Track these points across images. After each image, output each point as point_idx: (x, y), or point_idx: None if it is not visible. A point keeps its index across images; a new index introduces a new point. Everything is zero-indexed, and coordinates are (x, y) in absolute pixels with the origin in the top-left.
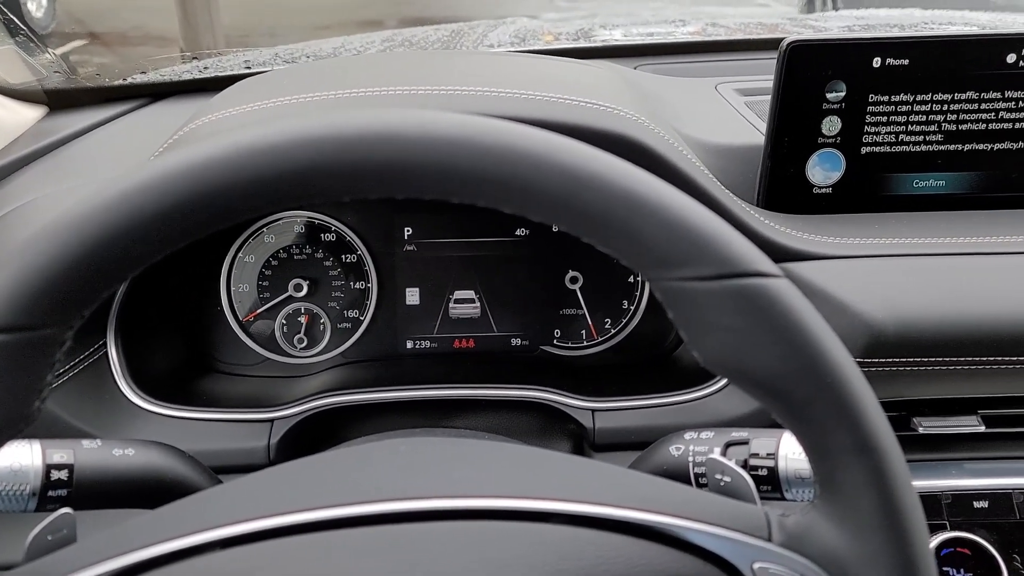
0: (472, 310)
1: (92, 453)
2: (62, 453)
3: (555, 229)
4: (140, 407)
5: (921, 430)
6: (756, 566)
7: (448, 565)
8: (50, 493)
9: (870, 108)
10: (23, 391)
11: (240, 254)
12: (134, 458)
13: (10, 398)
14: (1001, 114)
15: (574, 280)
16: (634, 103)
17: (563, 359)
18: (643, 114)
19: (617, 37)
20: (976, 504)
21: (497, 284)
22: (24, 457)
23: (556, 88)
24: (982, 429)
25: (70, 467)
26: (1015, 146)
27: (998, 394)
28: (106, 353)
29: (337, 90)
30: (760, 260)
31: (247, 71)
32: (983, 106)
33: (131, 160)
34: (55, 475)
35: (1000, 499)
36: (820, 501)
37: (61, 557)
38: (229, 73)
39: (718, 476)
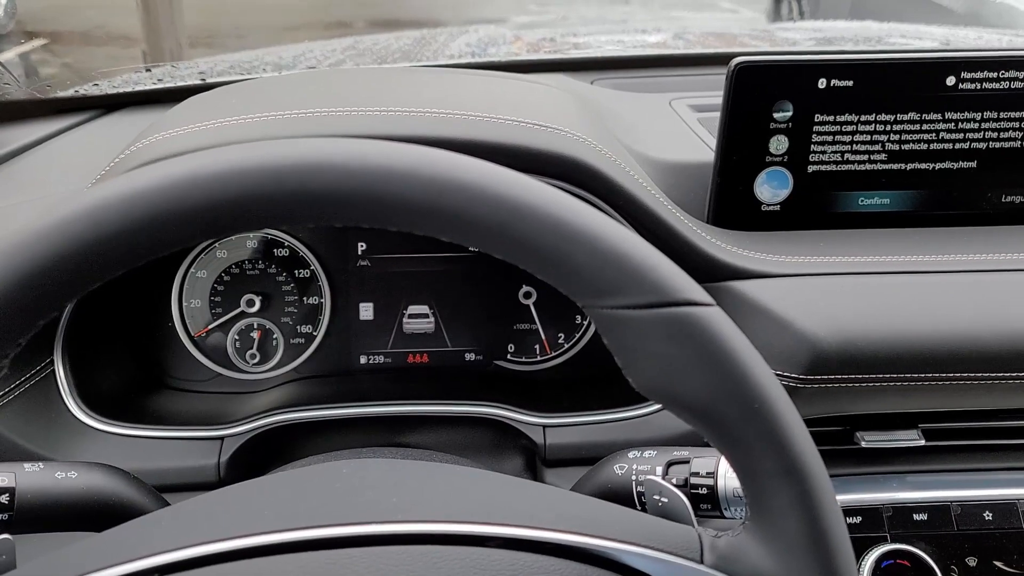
0: (426, 325)
1: (34, 476)
2: (3, 476)
3: None
4: (88, 426)
5: (864, 444)
6: None
7: None
8: None
9: (816, 128)
10: None
11: (192, 269)
12: (77, 481)
13: None
14: (942, 135)
15: (528, 295)
16: (583, 121)
17: (517, 374)
18: (591, 133)
19: (583, 42)
20: (916, 516)
21: (451, 299)
22: None
23: (500, 108)
24: (922, 443)
25: (11, 491)
26: (955, 166)
27: (937, 408)
28: (53, 371)
29: (282, 111)
30: (691, 288)
31: (201, 82)
32: (925, 127)
33: (81, 175)
34: None
35: (939, 511)
36: (750, 523)
37: None
38: (183, 84)
39: (656, 496)
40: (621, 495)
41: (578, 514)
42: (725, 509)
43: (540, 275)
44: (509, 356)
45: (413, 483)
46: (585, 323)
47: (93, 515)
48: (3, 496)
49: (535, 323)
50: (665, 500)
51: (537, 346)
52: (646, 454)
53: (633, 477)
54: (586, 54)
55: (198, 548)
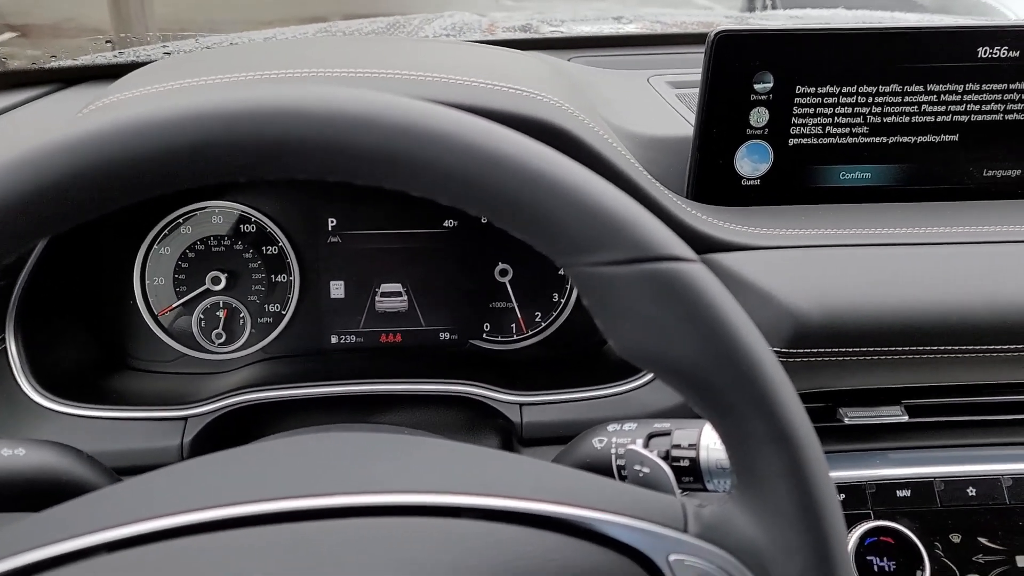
0: (399, 303)
1: None
2: None
3: (484, 221)
4: (42, 406)
5: (847, 421)
6: (672, 558)
7: (354, 563)
8: None
9: (797, 100)
10: None
11: (156, 246)
12: (25, 458)
13: None
14: (923, 107)
15: (504, 273)
16: (561, 91)
17: (493, 353)
18: (568, 99)
19: (548, 31)
20: (899, 493)
21: (425, 277)
22: None
23: (477, 73)
24: (905, 419)
25: None
26: (937, 139)
27: (921, 383)
28: (4, 349)
29: (246, 72)
30: (674, 243)
31: (166, 57)
32: (906, 99)
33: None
34: None
35: (922, 488)
36: (737, 491)
37: None
38: (145, 59)
39: (637, 467)
40: (600, 469)
41: (556, 484)
42: (708, 481)
43: (515, 231)
44: (485, 335)
45: (385, 455)
46: (563, 302)
47: (43, 495)
48: None
49: (511, 301)
50: (646, 471)
51: (513, 325)
52: (626, 427)
53: (613, 451)
54: (562, 33)
55: (151, 522)
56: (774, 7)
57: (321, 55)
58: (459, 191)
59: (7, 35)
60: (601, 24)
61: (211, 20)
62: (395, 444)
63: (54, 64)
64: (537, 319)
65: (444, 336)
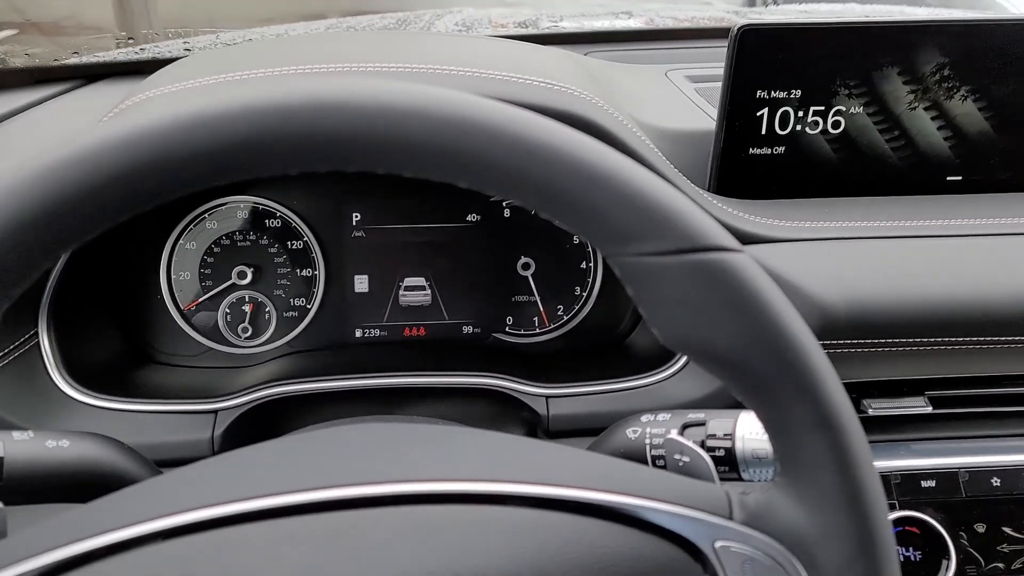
0: (423, 297)
1: (24, 445)
2: None
3: (506, 215)
4: (75, 399)
5: (871, 412)
6: (717, 544)
7: (404, 550)
8: None
9: (820, 93)
10: None
11: (181, 241)
12: (69, 450)
13: None
14: (949, 100)
15: (526, 267)
16: (587, 85)
17: (515, 347)
18: (597, 96)
19: (565, 26)
20: (924, 483)
21: (448, 271)
22: None
23: (508, 68)
24: (929, 410)
25: (0, 460)
26: (964, 131)
27: (945, 375)
28: (38, 343)
29: (282, 67)
30: (720, 234)
31: (187, 53)
32: (932, 92)
33: (62, 144)
34: None
35: (947, 478)
36: (780, 478)
37: None
38: (168, 56)
39: (676, 456)
40: (635, 459)
41: (600, 472)
42: (743, 471)
43: (560, 221)
44: (507, 329)
45: (428, 444)
46: (584, 295)
47: (85, 486)
48: None
49: (533, 295)
50: (687, 460)
51: (536, 318)
52: (659, 417)
53: (647, 441)
54: (578, 28)
55: (205, 511)
56: (775, 3)
57: (349, 50)
58: (507, 182)
59: (8, 32)
60: (603, 20)
61: (211, 18)
62: (438, 433)
63: (75, 61)
64: (559, 312)
65: (467, 329)
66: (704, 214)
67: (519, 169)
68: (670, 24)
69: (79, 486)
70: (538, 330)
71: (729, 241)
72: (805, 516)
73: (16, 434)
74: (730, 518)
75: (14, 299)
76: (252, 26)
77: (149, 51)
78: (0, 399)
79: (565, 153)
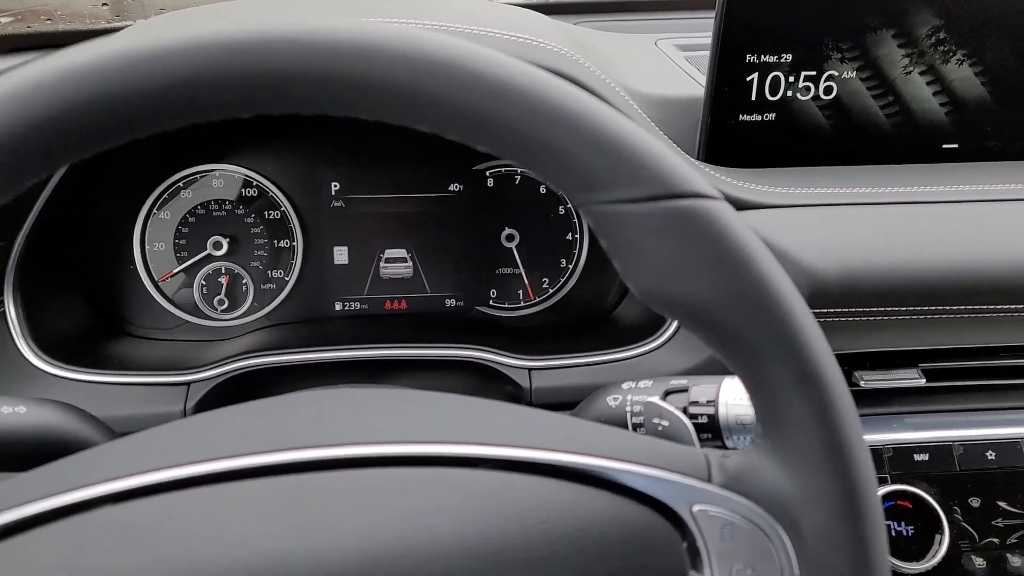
0: (404, 270)
1: None
2: None
3: (490, 184)
4: (41, 370)
5: (863, 384)
6: (695, 508)
7: (374, 512)
8: None
9: (810, 59)
10: None
11: (156, 210)
12: (26, 416)
13: None
14: (944, 65)
15: (510, 238)
16: (569, 43)
17: (499, 320)
18: (579, 53)
19: None
20: (917, 457)
21: (430, 242)
22: None
23: (492, 26)
24: (923, 383)
25: None
26: (957, 97)
27: (939, 346)
28: (3, 312)
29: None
30: (695, 180)
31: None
32: (925, 58)
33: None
34: None
35: (940, 452)
36: (761, 439)
37: None
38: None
39: (655, 420)
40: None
41: (574, 435)
42: (727, 438)
43: (529, 167)
44: (491, 302)
45: (399, 407)
46: (570, 268)
47: (45, 453)
48: None
49: (518, 267)
50: (665, 424)
51: (520, 291)
52: (641, 384)
53: (628, 408)
54: None
55: (155, 474)
56: None
57: (333, 4)
58: (471, 126)
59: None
60: None
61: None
62: (409, 398)
63: (49, 28)
64: (544, 285)
65: (450, 303)
66: (679, 159)
67: (482, 110)
68: None
69: (36, 454)
70: (522, 303)
71: (705, 187)
72: (787, 478)
73: None
74: (708, 481)
75: None
76: None
77: (124, 17)
78: None
79: (531, 92)
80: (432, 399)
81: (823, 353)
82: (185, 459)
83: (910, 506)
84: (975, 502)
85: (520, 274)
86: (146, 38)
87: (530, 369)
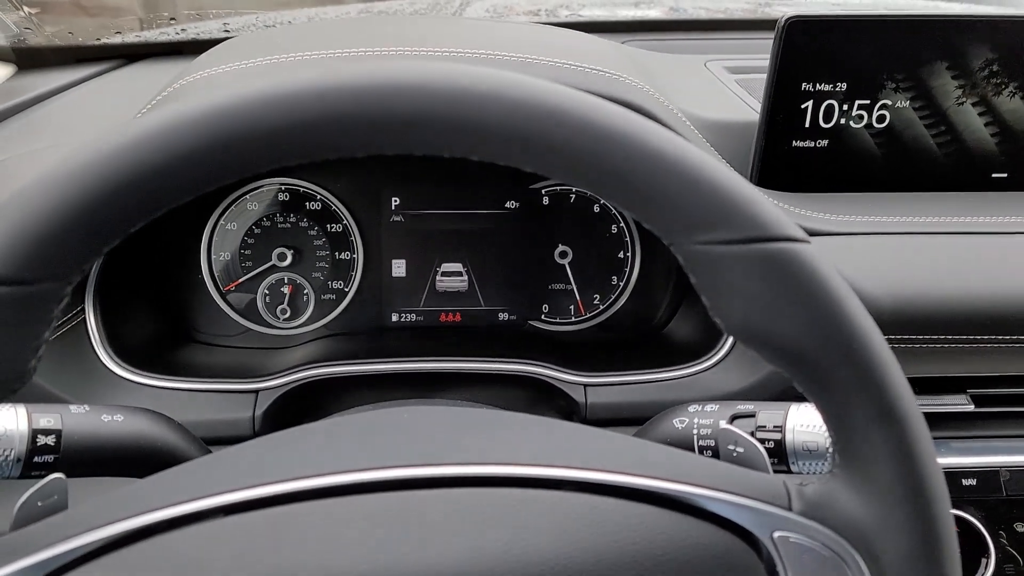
0: (459, 283)
1: (80, 418)
2: (49, 418)
3: (545, 202)
4: (119, 376)
5: None
6: (776, 535)
7: (461, 532)
8: (36, 459)
9: (866, 87)
10: (20, 348)
11: (222, 221)
12: (123, 424)
13: (6, 355)
14: (991, 98)
15: (563, 255)
16: (636, 75)
17: (550, 335)
18: (651, 88)
19: (598, 14)
20: (964, 482)
21: (485, 257)
22: (9, 421)
23: (558, 54)
24: (971, 408)
25: (57, 432)
26: (1006, 128)
27: (988, 373)
28: (84, 320)
29: (335, 48)
30: (788, 224)
31: (226, 35)
32: (976, 89)
33: (108, 122)
34: (41, 440)
35: (988, 477)
36: (840, 470)
37: (53, 524)
38: (207, 37)
39: (730, 447)
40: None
41: (657, 460)
42: (792, 463)
43: (626, 208)
44: (543, 317)
45: (483, 427)
46: (622, 285)
47: (138, 460)
48: (49, 437)
49: (570, 283)
50: (740, 450)
51: (572, 307)
52: (707, 408)
53: (695, 431)
54: (611, 16)
55: (265, 488)
56: None
57: (396, 34)
58: (573, 168)
59: (29, 11)
60: (623, 9)
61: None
62: (495, 417)
63: (118, 40)
64: (595, 301)
65: (503, 316)
66: (772, 203)
67: (588, 153)
68: (702, 15)
69: (132, 460)
70: (573, 319)
71: (796, 231)
72: (866, 509)
73: (73, 407)
74: (789, 509)
75: (85, 273)
76: (270, 9)
77: (190, 32)
78: (48, 375)
79: (633, 138)
80: (518, 420)
81: (904, 391)
82: (290, 474)
83: (957, 530)
84: (1021, 527)
85: (572, 290)
86: (276, 81)
87: (586, 385)
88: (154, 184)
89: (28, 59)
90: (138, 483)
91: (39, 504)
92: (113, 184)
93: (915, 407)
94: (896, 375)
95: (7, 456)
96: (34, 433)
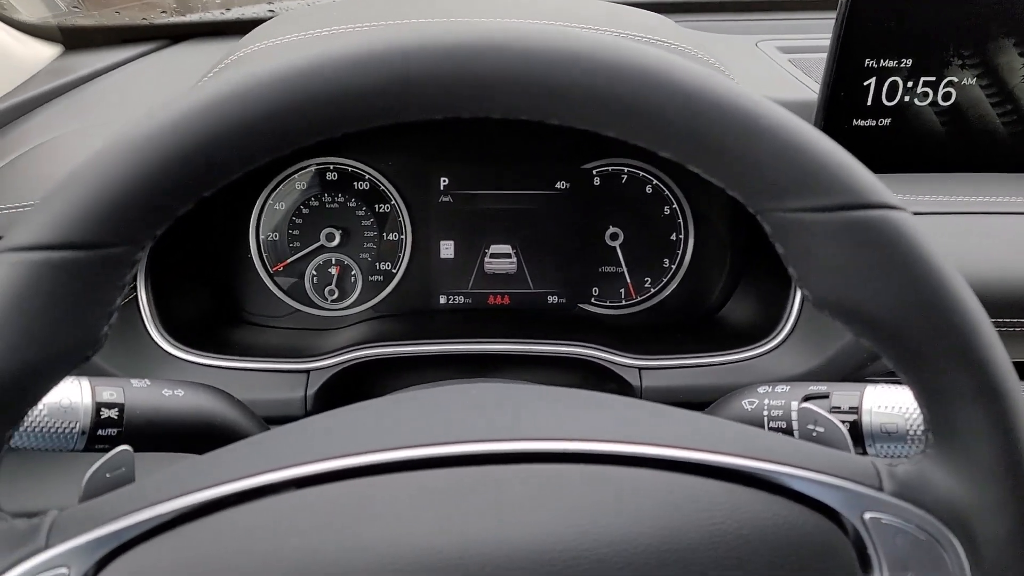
0: (508, 265)
1: (142, 392)
2: (112, 391)
3: (596, 183)
4: (171, 354)
5: None
6: (867, 516)
7: (542, 507)
8: (99, 432)
9: (930, 64)
10: (94, 313)
11: (270, 201)
12: (184, 399)
13: (80, 320)
14: None
15: (614, 237)
16: (697, 47)
17: (601, 318)
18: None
19: None
20: None
21: (535, 239)
22: (74, 394)
23: (628, 29)
24: None
25: (120, 406)
26: None
27: None
28: (136, 299)
29: (396, 18)
30: (885, 191)
31: (271, 15)
32: None
33: (156, 100)
34: (105, 413)
35: None
36: (933, 449)
37: (123, 496)
38: (252, 17)
39: (811, 426)
40: None
41: (744, 439)
42: (869, 446)
43: (710, 173)
44: (593, 300)
45: (555, 404)
46: (674, 268)
47: (199, 435)
48: (112, 411)
49: (621, 266)
50: (820, 430)
51: (622, 290)
52: (777, 388)
53: (765, 412)
54: None
55: (339, 460)
56: None
57: (454, 5)
58: (659, 132)
59: None
60: None
61: None
62: (561, 395)
63: (164, 20)
64: (647, 285)
65: (552, 299)
66: (865, 169)
67: (675, 120)
68: None
69: (193, 435)
70: (624, 302)
71: (892, 198)
72: (963, 488)
73: (135, 381)
74: (880, 489)
75: (156, 238)
76: None
77: (235, 11)
78: (101, 352)
79: (723, 101)
80: (588, 397)
81: (1006, 366)
82: (364, 447)
83: None
84: None
85: (623, 273)
86: (358, 40)
87: (640, 368)
88: (231, 144)
89: (75, 39)
90: (207, 456)
91: (107, 476)
92: (190, 146)
93: (1016, 381)
94: (1000, 350)
95: (72, 429)
96: (98, 406)
